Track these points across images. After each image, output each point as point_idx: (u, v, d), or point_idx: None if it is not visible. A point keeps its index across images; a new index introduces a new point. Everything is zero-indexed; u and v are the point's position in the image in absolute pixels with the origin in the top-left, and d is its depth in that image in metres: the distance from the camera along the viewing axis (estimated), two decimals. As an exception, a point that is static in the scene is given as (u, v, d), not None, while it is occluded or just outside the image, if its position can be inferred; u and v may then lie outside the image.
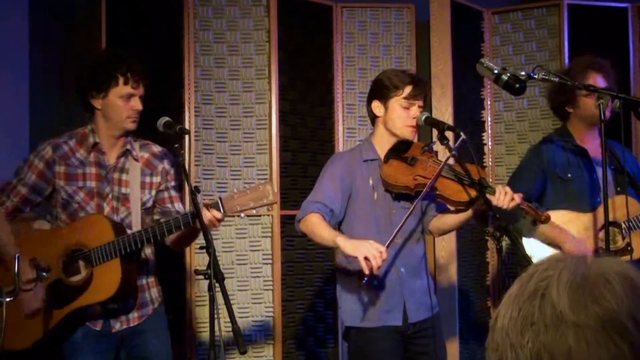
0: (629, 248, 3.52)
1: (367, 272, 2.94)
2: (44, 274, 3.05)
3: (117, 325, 3.22)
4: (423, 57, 4.90)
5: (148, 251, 3.32)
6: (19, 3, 4.59)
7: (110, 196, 3.23)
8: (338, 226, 3.32)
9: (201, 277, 2.87)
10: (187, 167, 4.28)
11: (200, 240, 3.13)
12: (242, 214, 3.10)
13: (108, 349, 3.21)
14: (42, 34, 4.77)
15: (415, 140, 3.38)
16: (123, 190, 3.25)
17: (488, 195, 3.04)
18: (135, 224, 3.22)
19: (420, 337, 3.31)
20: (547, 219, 3.17)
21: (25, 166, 3.23)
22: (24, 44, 4.65)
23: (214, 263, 2.72)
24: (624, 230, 3.58)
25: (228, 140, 4.56)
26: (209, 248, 2.76)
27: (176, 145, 3.02)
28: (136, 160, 3.28)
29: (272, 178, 4.49)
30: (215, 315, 2.77)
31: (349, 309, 3.31)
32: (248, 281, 4.50)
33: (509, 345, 1.07)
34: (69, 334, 3.17)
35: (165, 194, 3.34)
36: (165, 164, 3.36)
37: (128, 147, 3.27)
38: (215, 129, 4.55)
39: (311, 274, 4.64)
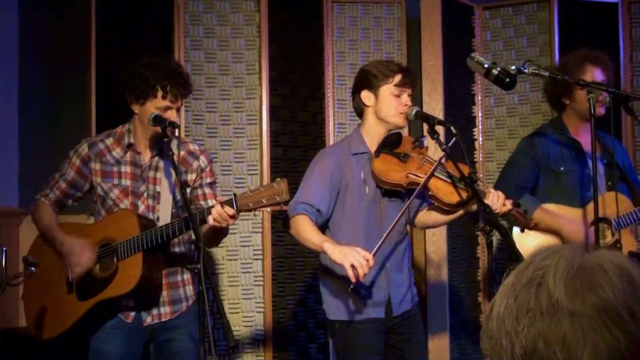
0: (618, 245, 3.53)
1: (353, 280, 2.93)
2: (32, 268, 3.06)
3: (149, 319, 3.25)
4: (414, 53, 4.90)
5: (184, 248, 3.35)
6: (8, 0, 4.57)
7: (145, 194, 3.27)
8: (327, 221, 3.31)
9: (191, 271, 2.86)
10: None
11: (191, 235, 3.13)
12: (253, 213, 3.10)
13: (137, 341, 3.25)
14: (31, 29, 4.75)
15: (406, 133, 3.38)
16: (158, 188, 3.28)
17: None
18: (164, 220, 3.21)
19: (402, 327, 3.33)
20: (536, 226, 3.19)
21: (65, 162, 3.32)
22: (14, 40, 4.63)
23: (203, 258, 2.71)
24: (613, 227, 3.59)
25: (218, 136, 4.55)
26: (198, 243, 2.75)
27: (165, 140, 3.01)
28: (170, 158, 3.27)
29: (263, 173, 4.48)
30: (206, 311, 2.76)
31: (333, 302, 3.31)
32: (238, 277, 4.49)
33: (504, 332, 1.07)
34: (99, 325, 3.23)
35: (199, 191, 3.35)
36: (201, 162, 3.36)
37: (163, 147, 3.25)
38: (205, 124, 4.54)
39: (302, 270, 4.64)
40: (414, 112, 3.23)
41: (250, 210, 3.03)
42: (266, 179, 4.46)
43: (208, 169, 3.38)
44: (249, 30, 4.61)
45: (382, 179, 3.22)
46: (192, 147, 3.41)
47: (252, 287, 4.50)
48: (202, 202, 3.33)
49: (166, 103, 3.14)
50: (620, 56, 4.84)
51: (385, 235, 3.10)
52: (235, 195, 2.98)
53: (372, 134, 3.32)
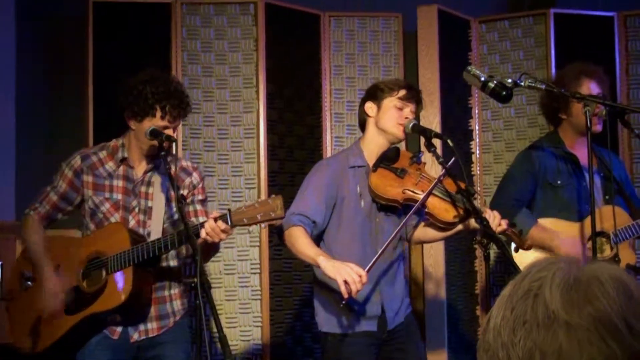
0: (617, 259, 3.52)
1: (345, 295, 2.93)
2: (29, 283, 3.05)
3: (136, 336, 3.21)
4: (411, 66, 4.91)
5: (173, 262, 3.32)
6: (5, 12, 4.58)
7: (137, 209, 3.25)
8: (322, 233, 3.30)
9: (188, 286, 2.85)
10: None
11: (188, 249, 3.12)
12: (250, 227, 3.10)
13: (124, 358, 3.21)
14: (29, 42, 4.76)
15: (403, 148, 3.39)
16: (149, 203, 3.26)
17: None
18: (156, 235, 3.20)
19: (395, 338, 3.32)
20: (530, 248, 3.20)
21: (57, 174, 3.29)
22: (11, 52, 4.64)
23: (200, 272, 2.70)
24: (612, 241, 3.58)
25: (216, 150, 4.55)
26: (195, 256, 2.74)
27: (162, 154, 3.01)
28: (163, 174, 3.27)
29: (260, 187, 4.48)
30: (203, 326, 2.76)
31: (326, 315, 3.30)
32: (236, 291, 4.48)
33: (500, 344, 1.07)
34: (85, 340, 3.19)
35: (191, 208, 3.34)
36: (193, 178, 3.36)
37: (157, 162, 3.26)
38: (202, 138, 4.54)
39: (299, 284, 4.63)
40: (411, 125, 3.24)
41: (244, 226, 3.03)
42: (264, 193, 4.46)
43: (200, 185, 3.37)
44: (246, 44, 4.62)
45: (378, 194, 3.22)
46: (185, 163, 3.41)
47: (250, 302, 4.49)
48: (194, 219, 3.31)
49: (164, 123, 3.14)
50: (616, 69, 4.86)
51: (379, 252, 3.10)
52: (229, 210, 2.97)
53: (371, 146, 3.33)
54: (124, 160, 3.26)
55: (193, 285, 2.71)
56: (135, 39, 4.49)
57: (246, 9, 4.63)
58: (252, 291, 4.49)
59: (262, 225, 3.08)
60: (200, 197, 3.37)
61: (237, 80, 4.60)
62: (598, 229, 3.40)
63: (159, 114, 3.12)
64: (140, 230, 3.22)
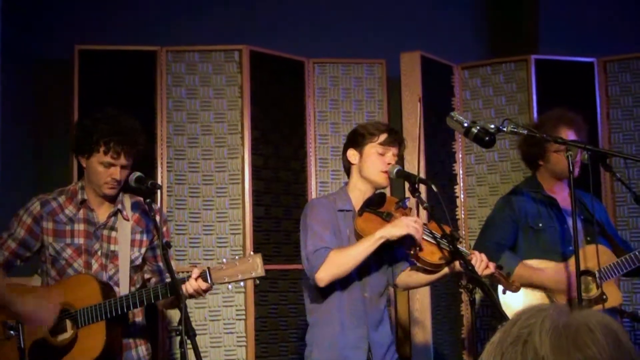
0: (604, 297, 3.54)
1: (420, 239, 3.07)
2: (12, 332, 3.00)
3: None
4: (395, 112, 4.95)
5: (136, 310, 3.27)
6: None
7: (99, 253, 3.22)
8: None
9: (173, 333, 2.83)
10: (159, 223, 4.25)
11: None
12: (230, 286, 3.10)
13: None
14: (14, 87, 4.76)
15: (388, 193, 3.39)
16: (112, 247, 3.24)
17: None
18: (123, 281, 3.19)
19: None
20: (518, 289, 3.19)
21: (15, 220, 3.23)
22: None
23: (185, 319, 2.68)
24: (597, 279, 3.60)
25: (201, 195, 4.55)
26: (180, 304, 2.73)
27: (147, 200, 3.01)
28: (126, 219, 3.27)
29: (245, 232, 4.47)
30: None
31: (315, 354, 3.28)
32: (221, 337, 4.44)
33: None
34: None
35: (157, 252, 3.31)
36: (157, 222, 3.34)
37: (119, 207, 3.26)
38: (187, 184, 4.54)
39: (285, 330, 4.59)
40: (395, 170, 3.25)
41: (226, 284, 3.05)
42: (249, 238, 4.45)
43: (164, 229, 3.34)
44: (231, 91, 4.65)
45: (363, 237, 3.22)
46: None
47: (235, 348, 4.45)
48: (160, 263, 3.30)
49: (108, 159, 3.13)
50: (597, 114, 4.92)
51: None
52: (208, 269, 2.99)
53: (356, 192, 3.34)
54: (83, 203, 3.23)
55: (178, 333, 2.69)
56: (120, 86, 4.51)
57: (231, 56, 4.67)
58: (237, 337, 4.45)
59: (241, 283, 3.06)
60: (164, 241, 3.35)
61: (222, 127, 4.62)
62: (582, 267, 3.42)
63: (102, 149, 3.12)
64: (103, 275, 3.18)
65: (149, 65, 4.56)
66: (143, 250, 3.30)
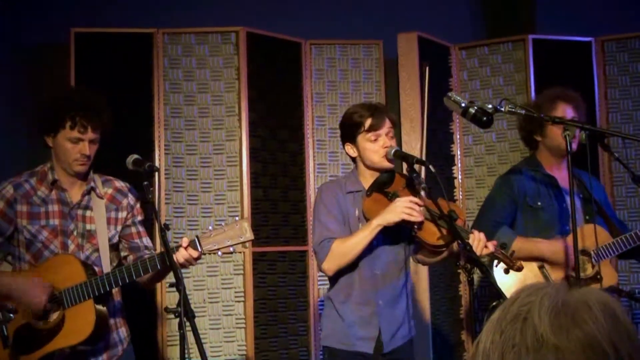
0: (598, 277, 3.55)
1: (420, 220, 3.09)
2: (11, 315, 3.00)
3: None
4: (392, 93, 4.94)
5: (114, 290, 3.23)
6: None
7: (75, 233, 3.18)
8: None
9: (172, 315, 2.82)
10: (157, 204, 4.26)
11: (171, 277, 3.10)
12: (219, 252, 3.09)
13: None
14: (10, 71, 4.75)
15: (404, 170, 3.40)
16: (88, 226, 3.21)
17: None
18: (104, 260, 3.17)
19: None
20: (520, 268, 3.18)
21: None
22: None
23: (184, 301, 2.69)
24: (593, 259, 3.61)
25: (198, 178, 4.55)
26: (179, 286, 2.73)
27: (145, 183, 2.99)
28: (100, 197, 3.24)
29: (243, 215, 4.47)
30: (187, 355, 2.73)
31: (329, 329, 3.34)
32: (220, 319, 4.46)
33: None
34: None
35: (133, 229, 3.31)
36: (130, 199, 3.33)
37: (92, 184, 3.24)
38: (185, 167, 4.53)
39: (284, 311, 4.61)
40: (392, 151, 3.24)
41: (214, 252, 3.03)
42: (247, 220, 4.45)
43: (138, 206, 3.34)
44: (228, 73, 4.63)
45: (369, 218, 3.23)
46: (119, 184, 3.36)
47: (234, 330, 4.46)
48: (137, 240, 3.30)
49: (75, 134, 3.11)
50: (595, 93, 4.91)
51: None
52: (197, 237, 2.98)
53: (366, 176, 3.36)
54: (54, 183, 3.19)
55: (177, 314, 2.69)
56: (117, 69, 4.49)
57: (227, 38, 4.65)
58: (236, 319, 4.47)
59: (247, 250, 3.04)
60: (139, 217, 3.35)
61: (220, 109, 4.61)
62: (580, 246, 3.44)
63: (68, 124, 3.10)
64: (80, 255, 3.15)
65: (146, 47, 4.54)
66: (119, 228, 3.27)
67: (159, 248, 3.67)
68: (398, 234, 3.28)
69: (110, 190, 3.30)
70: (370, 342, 3.28)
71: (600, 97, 4.94)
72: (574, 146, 3.55)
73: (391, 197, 3.24)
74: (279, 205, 4.67)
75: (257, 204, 4.57)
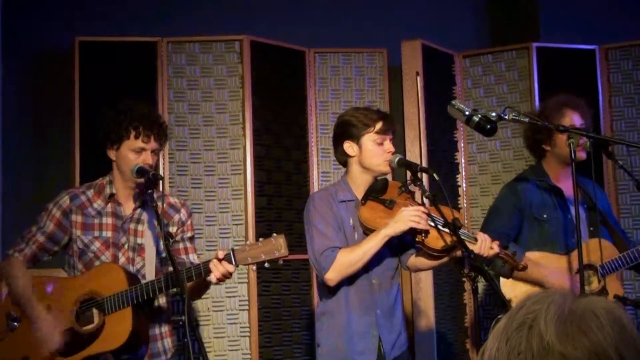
0: (605, 291, 3.53)
1: (427, 229, 3.09)
2: (15, 324, 3.02)
3: None
4: (396, 101, 4.94)
5: (162, 300, 3.30)
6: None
7: (126, 246, 3.23)
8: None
9: (176, 324, 2.82)
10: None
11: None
12: (254, 267, 3.08)
13: None
14: (15, 80, 4.76)
15: (390, 179, 3.39)
16: (139, 240, 3.25)
17: (468, 243, 3.03)
18: (150, 274, 3.20)
19: None
20: (525, 268, 3.18)
21: (44, 214, 3.25)
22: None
23: (188, 310, 2.69)
24: (599, 273, 3.58)
25: (203, 186, 4.55)
26: (182, 295, 2.73)
27: (149, 192, 3.00)
28: (154, 210, 3.26)
29: (248, 223, 4.47)
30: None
31: (327, 346, 3.29)
32: (224, 328, 4.45)
33: None
34: None
35: (181, 245, 3.34)
36: (182, 215, 3.35)
37: (145, 198, 3.25)
38: (189, 175, 4.54)
39: (288, 320, 4.60)
40: (396, 159, 3.23)
41: (248, 265, 3.03)
42: (251, 229, 4.45)
43: (189, 222, 3.37)
44: (232, 82, 4.64)
45: (369, 227, 3.21)
46: (173, 200, 3.41)
47: (239, 339, 4.46)
48: (184, 256, 3.32)
49: (139, 144, 3.14)
50: (599, 101, 4.91)
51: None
52: (233, 250, 2.97)
53: (358, 182, 3.32)
54: (111, 197, 3.25)
55: (181, 323, 2.69)
56: (121, 78, 4.50)
57: (231, 47, 4.66)
58: (241, 328, 4.46)
59: (266, 264, 3.04)
60: (189, 234, 3.37)
61: (224, 117, 4.61)
62: (585, 261, 3.40)
63: (132, 134, 3.14)
64: (130, 268, 3.20)
65: (150, 56, 4.55)
66: (171, 242, 3.29)
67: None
68: (390, 242, 3.27)
69: (163, 205, 3.32)
70: (371, 356, 3.25)
71: (604, 105, 4.94)
72: (583, 154, 3.52)
73: (389, 205, 3.23)
74: (283, 214, 4.66)
75: (261, 212, 4.56)
